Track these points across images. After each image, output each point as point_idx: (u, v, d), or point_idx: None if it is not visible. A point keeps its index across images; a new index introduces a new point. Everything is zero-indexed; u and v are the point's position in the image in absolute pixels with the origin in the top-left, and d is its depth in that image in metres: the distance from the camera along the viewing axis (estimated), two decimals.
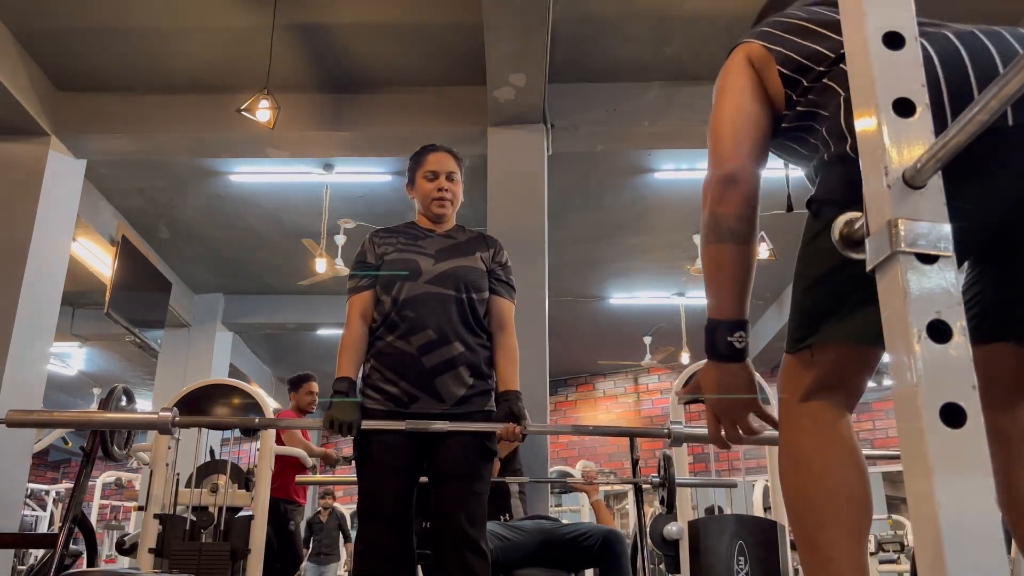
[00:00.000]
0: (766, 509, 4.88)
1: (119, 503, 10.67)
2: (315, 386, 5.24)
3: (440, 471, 2.22)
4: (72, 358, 10.22)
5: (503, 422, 2.24)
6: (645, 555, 3.25)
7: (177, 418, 2.35)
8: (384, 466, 2.20)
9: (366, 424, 2.19)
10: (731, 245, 1.22)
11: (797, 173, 1.48)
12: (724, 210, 1.22)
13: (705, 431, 1.31)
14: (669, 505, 3.13)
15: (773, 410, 1.25)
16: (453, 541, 2.14)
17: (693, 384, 1.29)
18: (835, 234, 0.87)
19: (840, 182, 1.11)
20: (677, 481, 3.06)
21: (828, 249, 0.92)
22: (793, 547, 3.39)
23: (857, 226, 0.82)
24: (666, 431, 2.52)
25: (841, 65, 1.20)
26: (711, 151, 1.27)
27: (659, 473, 3.22)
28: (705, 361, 1.26)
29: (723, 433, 1.27)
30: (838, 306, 1.11)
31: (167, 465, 3.11)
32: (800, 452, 1.12)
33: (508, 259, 2.45)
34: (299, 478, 4.11)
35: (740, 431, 1.26)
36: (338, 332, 2.30)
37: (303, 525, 5.87)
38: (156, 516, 2.94)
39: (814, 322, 1.15)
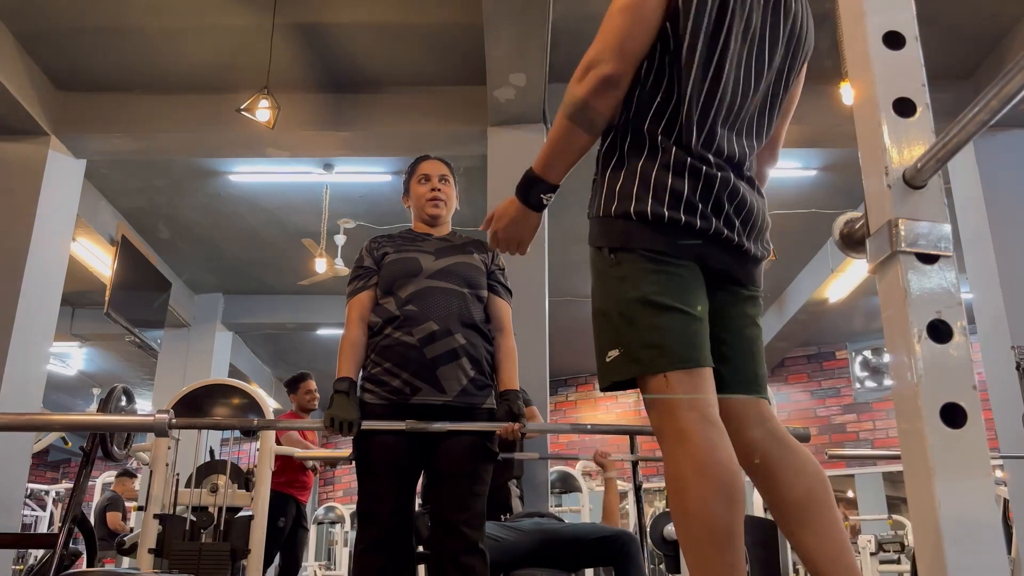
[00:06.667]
0: (766, 509, 4.88)
1: None
2: (312, 384, 5.22)
3: (440, 471, 2.22)
4: (72, 358, 10.22)
5: (503, 422, 2.24)
6: (645, 555, 3.24)
7: (174, 420, 2.33)
8: (383, 466, 2.20)
9: (366, 424, 2.19)
10: (586, 135, 1.42)
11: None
12: (597, 105, 1.39)
13: None
14: None
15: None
16: (451, 543, 2.14)
17: (491, 215, 1.58)
18: (835, 234, 0.87)
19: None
20: None
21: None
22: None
23: (857, 226, 0.82)
24: None
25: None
26: (604, 38, 1.38)
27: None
28: (511, 198, 1.53)
29: (500, 247, 1.61)
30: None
31: (167, 465, 3.11)
32: (678, 477, 1.27)
33: (504, 264, 2.50)
34: (299, 453, 4.07)
35: (511, 252, 1.62)
36: (338, 332, 2.30)
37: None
38: (156, 516, 2.94)
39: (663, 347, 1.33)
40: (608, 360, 1.41)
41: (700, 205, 1.36)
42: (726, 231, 1.39)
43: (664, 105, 1.40)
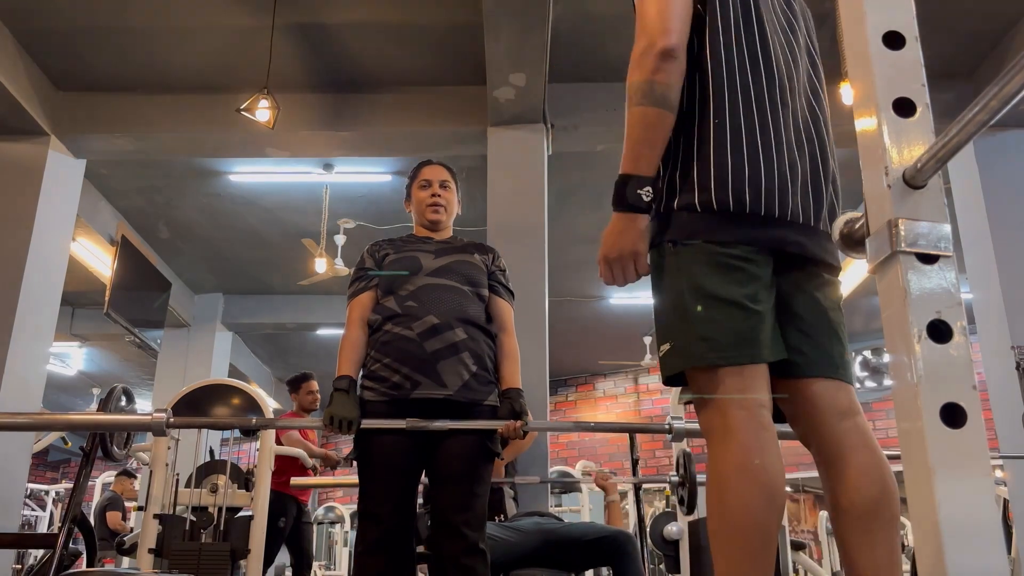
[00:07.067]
0: None
1: None
2: (314, 384, 5.22)
3: (440, 472, 2.22)
4: (72, 358, 10.22)
5: (505, 420, 2.24)
6: (645, 555, 3.24)
7: (172, 419, 2.31)
8: (384, 465, 2.20)
9: (366, 423, 2.19)
10: (663, 111, 1.35)
11: None
12: (663, 79, 1.34)
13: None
14: (690, 507, 3.07)
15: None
16: (452, 543, 2.14)
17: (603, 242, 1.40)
18: (835, 234, 0.87)
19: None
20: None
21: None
22: (793, 547, 3.40)
23: (857, 226, 0.82)
24: (667, 427, 2.52)
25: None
26: (645, 25, 1.37)
27: (678, 471, 3.17)
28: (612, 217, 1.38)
29: (613, 275, 1.41)
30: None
31: (167, 465, 3.11)
32: (720, 476, 1.24)
33: (505, 266, 2.53)
34: (294, 480, 4.07)
35: (627, 275, 1.40)
36: (338, 332, 2.31)
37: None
38: (156, 516, 2.94)
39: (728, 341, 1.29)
40: (661, 354, 1.36)
41: (768, 185, 1.33)
42: (791, 211, 1.35)
43: (720, 90, 1.39)
